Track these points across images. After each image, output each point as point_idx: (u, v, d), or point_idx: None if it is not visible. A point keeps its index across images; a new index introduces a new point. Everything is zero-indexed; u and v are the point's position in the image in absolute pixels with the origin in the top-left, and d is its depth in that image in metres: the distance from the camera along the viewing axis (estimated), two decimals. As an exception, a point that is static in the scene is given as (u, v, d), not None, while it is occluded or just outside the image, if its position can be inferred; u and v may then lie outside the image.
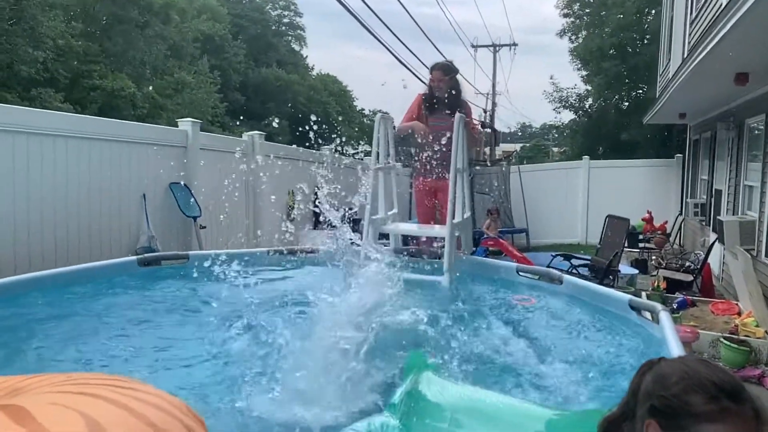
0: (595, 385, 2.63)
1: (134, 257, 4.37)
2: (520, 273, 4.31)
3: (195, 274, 4.28)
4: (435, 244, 5.86)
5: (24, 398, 0.96)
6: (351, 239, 3.84)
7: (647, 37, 19.07)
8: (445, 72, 5.22)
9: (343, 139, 37.91)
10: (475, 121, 5.93)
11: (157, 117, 24.14)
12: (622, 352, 2.89)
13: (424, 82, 5.33)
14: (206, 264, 4.46)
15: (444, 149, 5.11)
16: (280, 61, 39.07)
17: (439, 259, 4.45)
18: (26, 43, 20.16)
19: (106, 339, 3.14)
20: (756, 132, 7.00)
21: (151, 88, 24.59)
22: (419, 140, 5.08)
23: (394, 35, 13.12)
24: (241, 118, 33.77)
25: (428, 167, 5.27)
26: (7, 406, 0.88)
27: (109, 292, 3.86)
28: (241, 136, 8.21)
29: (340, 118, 39.26)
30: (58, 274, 3.80)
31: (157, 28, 25.87)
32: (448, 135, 5.07)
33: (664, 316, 2.85)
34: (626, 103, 20.48)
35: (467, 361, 2.88)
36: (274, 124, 31.52)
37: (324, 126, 36.36)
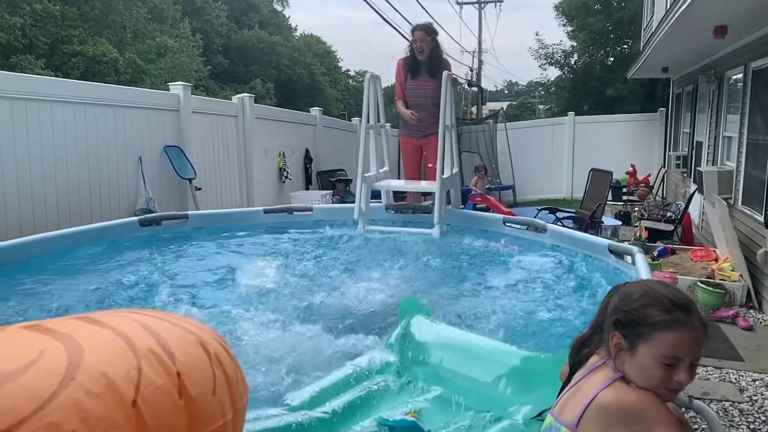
0: (580, 321, 2.85)
1: (135, 218, 4.51)
2: (507, 224, 4.51)
3: (195, 233, 4.46)
4: (424, 200, 6.08)
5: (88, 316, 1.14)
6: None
7: (632, -10, 19.02)
8: (427, 33, 5.31)
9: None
10: (461, 79, 6.08)
11: (141, 82, 23.81)
12: (603, 291, 3.10)
13: (408, 40, 5.43)
14: (206, 223, 4.65)
15: (428, 110, 5.29)
16: (262, 23, 38.40)
17: (429, 213, 4.65)
18: (2, 9, 19.71)
19: (114, 295, 3.31)
20: (736, 84, 7.17)
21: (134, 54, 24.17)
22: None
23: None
24: (226, 81, 33.38)
25: (413, 126, 5.45)
26: (79, 316, 1.07)
27: (113, 251, 4.01)
28: (226, 99, 8.27)
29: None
30: (64, 235, 3.94)
31: (136, -10, 25.31)
32: (431, 96, 5.25)
33: (640, 258, 3.07)
34: (611, 59, 20.52)
35: (456, 306, 3.10)
36: (259, 87, 31.24)
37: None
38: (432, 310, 2.84)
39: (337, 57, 43.70)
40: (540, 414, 1.60)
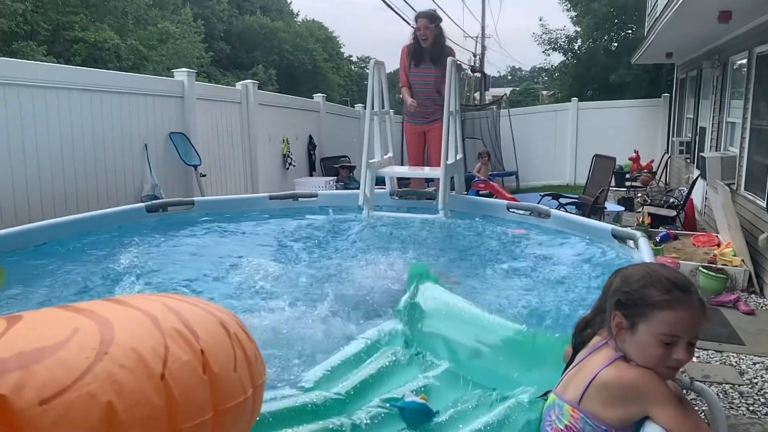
0: (585, 303, 2.89)
1: (142, 204, 4.56)
2: (511, 209, 4.55)
3: (202, 219, 4.51)
4: (427, 186, 6.12)
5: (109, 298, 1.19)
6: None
7: (636, -26, 18.87)
8: (431, 20, 5.34)
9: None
10: (464, 65, 6.14)
11: (142, 69, 23.75)
12: (606, 275, 3.15)
13: (410, 24, 5.48)
14: (212, 209, 4.69)
15: (431, 97, 5.35)
16: (264, 8, 38.19)
17: (434, 199, 4.69)
18: (4, -5, 19.66)
19: (124, 280, 3.37)
20: (740, 70, 7.16)
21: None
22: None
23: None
24: (227, 68, 33.28)
25: (417, 113, 5.51)
26: (107, 298, 1.12)
27: (121, 236, 4.06)
28: (229, 86, 8.29)
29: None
30: (73, 221, 3.99)
31: (137, -25, 25.19)
32: (433, 83, 5.31)
33: (643, 242, 3.11)
34: (615, 44, 20.40)
35: (463, 286, 3.15)
36: (261, 73, 31.15)
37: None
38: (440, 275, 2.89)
39: (340, 43, 43.52)
40: (545, 394, 1.65)
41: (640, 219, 7.73)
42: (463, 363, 2.02)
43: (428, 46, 5.31)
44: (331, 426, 1.63)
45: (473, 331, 2.12)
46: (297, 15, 42.98)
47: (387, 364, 1.99)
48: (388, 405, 1.75)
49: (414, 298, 2.27)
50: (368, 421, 1.69)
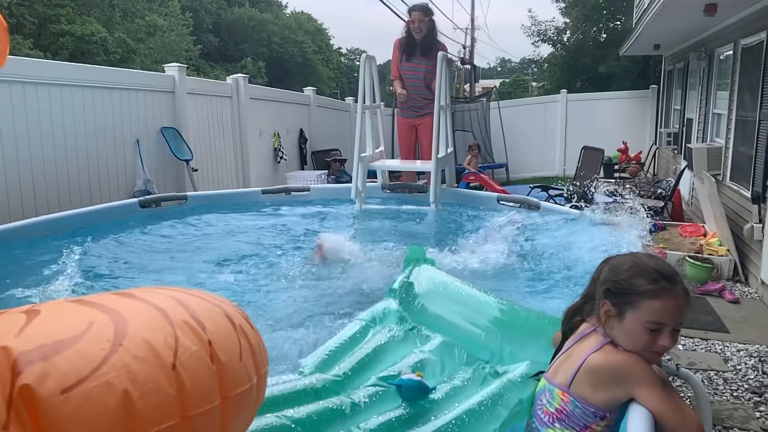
0: (573, 289, 2.97)
1: (135, 199, 4.58)
2: (501, 202, 4.62)
3: (195, 213, 4.54)
4: (418, 179, 6.19)
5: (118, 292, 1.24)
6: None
7: (625, -35, 18.95)
8: (425, 13, 5.41)
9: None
10: (454, 58, 6.21)
11: (130, 62, 23.60)
12: (595, 262, 3.22)
13: (400, 17, 5.54)
14: (205, 204, 4.72)
15: (422, 91, 5.41)
16: (252, 0, 37.96)
17: (425, 192, 4.75)
18: (-11, -12, 19.46)
19: (122, 275, 3.40)
20: (726, 62, 7.26)
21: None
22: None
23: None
24: (216, 60, 33.08)
25: (409, 106, 5.57)
26: (117, 292, 1.17)
27: (115, 231, 4.09)
28: (218, 79, 8.28)
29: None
30: (66, 217, 4.02)
31: (124, -32, 24.97)
32: (423, 77, 5.38)
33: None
34: (604, 35, 20.49)
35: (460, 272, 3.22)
36: (250, 66, 31.00)
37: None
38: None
39: (329, 35, 43.37)
40: (537, 374, 1.72)
41: (629, 210, 7.83)
42: (457, 337, 2.08)
43: (421, 38, 5.37)
44: (330, 405, 1.70)
45: (468, 308, 2.16)
46: (286, 7, 42.75)
47: (383, 342, 2.05)
48: (385, 383, 1.82)
49: (409, 278, 2.32)
50: (366, 400, 1.75)
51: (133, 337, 0.95)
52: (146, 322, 0.99)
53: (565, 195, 7.50)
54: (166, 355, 0.97)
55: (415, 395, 1.77)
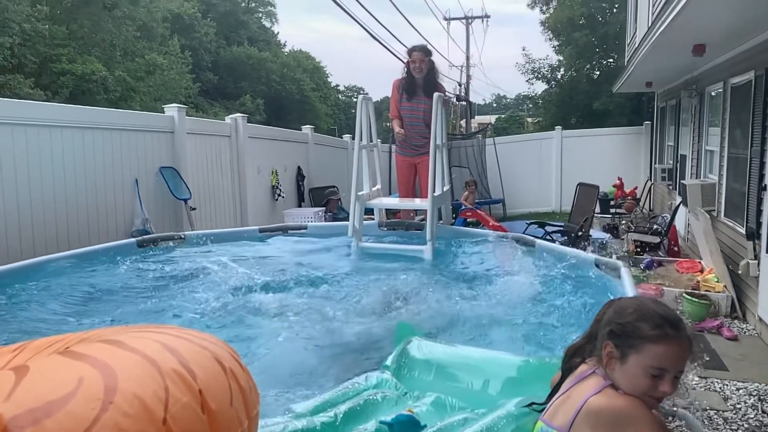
0: (570, 330, 2.97)
1: (133, 239, 4.60)
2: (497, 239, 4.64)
3: (193, 252, 4.55)
4: (415, 217, 6.22)
5: (106, 336, 1.24)
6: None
7: (616, 5, 19.37)
8: (425, 53, 5.52)
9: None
10: (450, 95, 6.32)
11: (130, 100, 23.86)
12: (589, 303, 3.23)
13: (398, 57, 5.65)
14: (202, 243, 4.73)
15: (422, 130, 5.48)
16: (251, 39, 38.64)
17: (422, 229, 4.77)
18: (-8, 29, 19.79)
19: (114, 314, 3.40)
20: (716, 99, 7.37)
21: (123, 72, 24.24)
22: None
23: (365, 9, 13.14)
24: (215, 98, 33.48)
25: (408, 145, 5.64)
26: (105, 339, 1.17)
27: (112, 271, 4.09)
28: (216, 117, 8.39)
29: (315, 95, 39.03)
30: (65, 257, 4.03)
31: (125, 9, 25.42)
32: (424, 117, 5.46)
33: (624, 272, 3.21)
34: (597, 73, 20.84)
35: (452, 321, 3.22)
36: (249, 103, 31.37)
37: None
38: (429, 329, 2.96)
39: (327, 72, 44.03)
40: (530, 405, 1.71)
41: (630, 247, 7.84)
42: (452, 394, 2.08)
43: (421, 78, 5.47)
44: None
45: (460, 367, 2.19)
46: (284, 45, 43.55)
47: (376, 398, 2.04)
48: (377, 422, 1.81)
49: (401, 352, 2.34)
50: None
51: (123, 392, 0.95)
52: (136, 374, 1.00)
53: (564, 235, 7.53)
54: (157, 409, 0.97)
55: (408, 430, 1.76)
